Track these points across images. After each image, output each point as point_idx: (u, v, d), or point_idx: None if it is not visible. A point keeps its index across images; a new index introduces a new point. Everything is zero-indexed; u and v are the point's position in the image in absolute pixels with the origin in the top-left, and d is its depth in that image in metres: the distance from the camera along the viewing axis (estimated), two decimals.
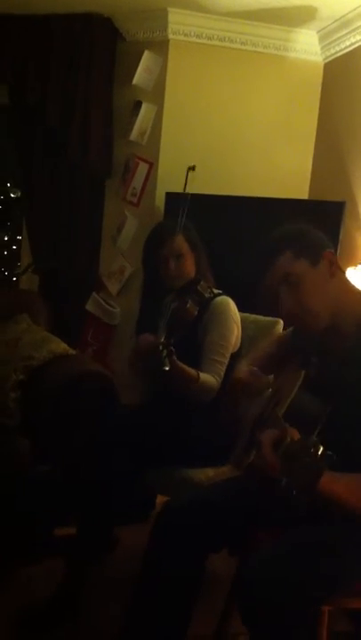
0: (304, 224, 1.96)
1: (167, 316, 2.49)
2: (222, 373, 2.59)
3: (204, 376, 2.53)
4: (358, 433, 1.69)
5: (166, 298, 2.63)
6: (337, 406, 1.70)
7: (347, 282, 1.93)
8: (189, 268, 2.75)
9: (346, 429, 1.70)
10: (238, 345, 2.72)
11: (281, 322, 2.84)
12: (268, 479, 1.61)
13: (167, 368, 2.30)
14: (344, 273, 1.94)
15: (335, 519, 1.67)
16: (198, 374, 2.52)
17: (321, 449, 1.46)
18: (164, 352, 2.29)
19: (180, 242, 2.74)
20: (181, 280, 2.69)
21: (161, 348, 2.29)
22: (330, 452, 1.46)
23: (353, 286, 1.94)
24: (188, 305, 2.50)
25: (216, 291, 2.75)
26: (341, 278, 1.91)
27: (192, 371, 2.50)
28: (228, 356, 2.63)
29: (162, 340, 2.33)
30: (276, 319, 2.86)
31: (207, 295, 2.62)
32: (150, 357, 2.34)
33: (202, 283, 2.59)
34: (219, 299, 2.71)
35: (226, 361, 2.62)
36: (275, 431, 1.62)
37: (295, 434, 1.59)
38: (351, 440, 1.67)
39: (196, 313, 2.52)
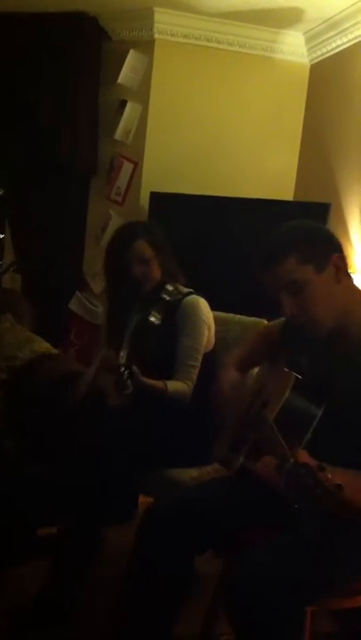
0: (312, 224, 1.85)
1: (131, 329, 2.45)
2: (194, 377, 2.56)
3: (172, 385, 2.50)
4: (354, 438, 1.68)
5: (131, 309, 2.56)
6: (332, 409, 1.70)
7: (353, 287, 1.84)
8: (155, 272, 2.65)
9: (341, 432, 1.69)
10: (212, 344, 2.69)
11: (265, 322, 2.83)
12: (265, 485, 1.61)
13: (128, 392, 2.27)
14: (350, 277, 1.83)
15: (322, 520, 1.67)
16: (166, 385, 2.49)
17: (329, 476, 1.41)
18: (126, 374, 2.25)
19: (143, 246, 2.62)
20: (148, 285, 2.62)
21: (123, 369, 2.25)
22: (338, 483, 1.41)
23: (359, 291, 1.86)
24: (151, 317, 2.47)
25: (185, 290, 2.68)
26: (348, 284, 1.80)
27: (159, 383, 2.47)
28: (200, 358, 2.60)
29: (124, 360, 2.29)
30: (261, 320, 2.85)
31: (173, 299, 2.57)
32: (113, 378, 2.31)
33: (167, 287, 2.55)
34: (187, 300, 2.64)
35: (198, 364, 2.59)
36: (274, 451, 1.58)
37: (303, 455, 1.55)
38: (346, 443, 1.66)
39: (158, 322, 2.49)
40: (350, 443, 1.67)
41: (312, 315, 1.76)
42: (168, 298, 2.53)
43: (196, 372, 2.57)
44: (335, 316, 1.76)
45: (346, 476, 1.48)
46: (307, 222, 1.85)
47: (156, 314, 2.46)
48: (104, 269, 2.77)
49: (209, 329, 2.68)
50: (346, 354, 1.78)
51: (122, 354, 2.37)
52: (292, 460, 1.48)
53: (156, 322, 2.45)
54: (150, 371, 2.43)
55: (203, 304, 2.67)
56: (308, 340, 1.85)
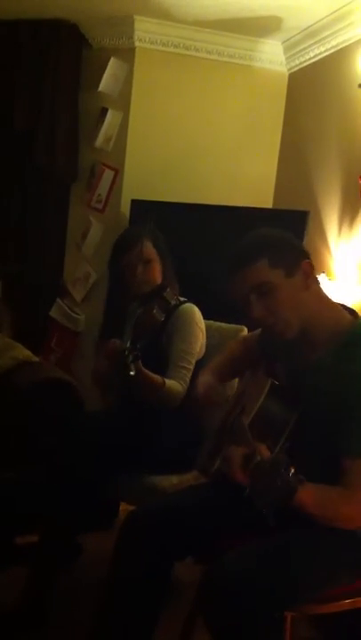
0: (280, 231, 1.88)
1: (133, 321, 2.48)
2: (188, 380, 2.59)
3: (169, 382, 2.54)
4: (326, 441, 1.70)
5: (132, 304, 2.61)
6: (305, 414, 1.72)
7: (321, 293, 1.88)
8: (156, 274, 2.72)
9: (313, 437, 1.71)
10: (203, 352, 2.73)
11: (245, 329, 2.85)
12: (237, 486, 1.63)
13: (133, 373, 2.28)
14: (318, 283, 1.87)
15: (300, 525, 1.68)
16: (164, 381, 2.52)
17: (292, 470, 1.45)
18: (130, 357, 2.27)
19: (149, 248, 2.69)
20: (148, 286, 2.66)
21: (127, 353, 2.27)
22: (301, 476, 1.46)
23: (326, 297, 1.89)
24: (155, 311, 2.49)
25: (182, 299, 2.75)
26: (316, 289, 1.84)
27: (158, 377, 2.50)
28: (193, 362, 2.64)
29: (127, 345, 2.31)
30: (241, 327, 2.87)
31: (173, 302, 2.61)
32: (116, 362, 2.33)
33: (168, 290, 2.58)
34: (184, 306, 2.71)
35: (192, 367, 2.62)
36: (243, 447, 1.61)
37: (265, 451, 1.59)
38: (318, 447, 1.68)
39: (162, 319, 2.51)
40: (322, 451, 1.69)
41: (279, 317, 1.79)
42: (169, 299, 2.56)
43: (189, 375, 2.60)
44: (302, 320, 1.80)
45: (311, 494, 1.57)
46: (277, 230, 1.89)
47: (159, 310, 2.48)
48: (108, 266, 2.83)
49: (203, 336, 2.72)
50: (309, 357, 1.80)
51: (126, 342, 2.39)
52: (258, 457, 1.53)
53: (160, 317, 2.48)
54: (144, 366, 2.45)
55: (198, 312, 2.73)
56: (282, 347, 1.87)
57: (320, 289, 1.88)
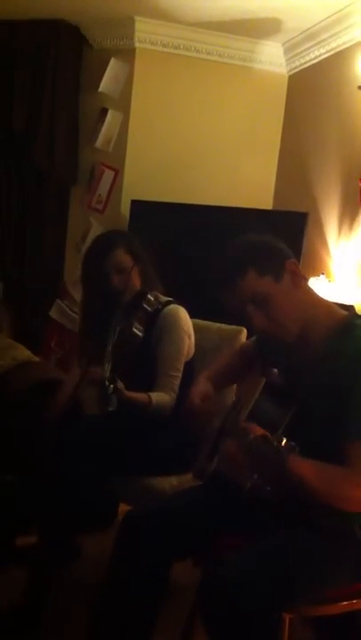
0: (262, 234, 1.88)
1: (112, 341, 2.43)
2: (177, 387, 2.55)
3: (156, 397, 2.50)
4: (323, 433, 1.70)
5: (112, 319, 2.54)
6: (301, 412, 1.72)
7: (310, 290, 1.90)
8: (134, 281, 2.62)
9: (310, 431, 1.72)
10: (191, 353, 2.70)
11: (245, 330, 2.86)
12: (235, 484, 1.63)
13: (111, 408, 2.25)
14: (307, 281, 1.90)
15: (299, 526, 1.69)
16: (150, 398, 2.48)
17: (284, 440, 1.48)
18: (110, 388, 2.24)
19: (121, 255, 2.60)
20: (127, 294, 2.57)
21: (107, 383, 2.24)
22: (292, 443, 1.48)
23: (316, 295, 1.91)
24: (134, 327, 2.44)
25: (165, 299, 2.67)
26: (305, 287, 1.87)
27: (143, 396, 2.46)
28: (181, 367, 2.60)
29: (108, 373, 2.28)
30: (240, 328, 2.87)
31: (153, 309, 2.56)
32: (97, 394, 2.30)
33: (148, 296, 2.51)
34: (167, 309, 2.63)
35: (179, 374, 2.59)
36: (237, 434, 1.63)
37: (257, 429, 1.60)
38: (315, 441, 1.68)
39: (141, 335, 2.46)
40: (319, 439, 1.69)
41: (279, 321, 1.80)
42: (149, 308, 2.51)
43: (177, 382, 2.56)
44: (300, 319, 1.81)
45: (310, 465, 1.58)
46: (255, 236, 1.88)
47: (138, 325, 2.44)
48: (81, 279, 2.75)
49: (189, 338, 2.68)
50: (309, 355, 1.81)
51: (105, 366, 2.35)
52: (251, 435, 1.54)
53: (140, 333, 2.42)
54: (131, 381, 2.43)
55: (182, 313, 2.66)
56: (280, 350, 1.88)
57: (308, 286, 1.90)
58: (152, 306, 2.48)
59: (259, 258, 1.80)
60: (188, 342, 2.66)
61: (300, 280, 1.84)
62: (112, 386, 2.22)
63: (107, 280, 2.60)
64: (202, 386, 2.17)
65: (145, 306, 2.45)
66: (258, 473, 1.50)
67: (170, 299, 2.68)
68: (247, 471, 1.55)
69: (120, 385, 2.28)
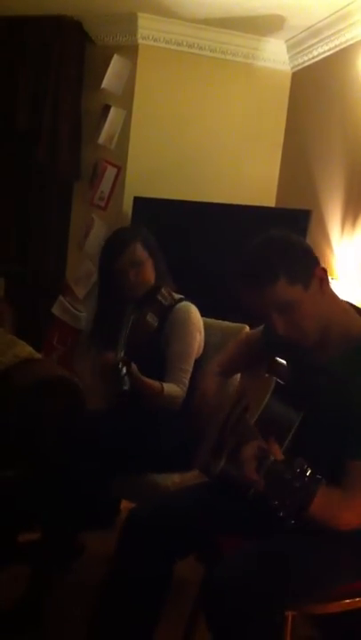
0: (289, 237, 1.79)
1: (127, 330, 2.45)
2: (187, 382, 2.58)
3: (168, 387, 2.52)
4: (329, 443, 1.70)
5: (127, 310, 2.57)
6: (309, 414, 1.72)
7: (335, 295, 1.85)
8: (149, 275, 2.69)
9: (316, 438, 1.71)
10: (201, 350, 2.72)
11: (247, 327, 2.85)
12: (242, 487, 1.62)
13: (126, 388, 2.27)
14: (330, 285, 1.83)
15: (300, 526, 1.68)
16: (162, 386, 2.50)
17: (309, 472, 1.42)
18: (123, 370, 2.26)
19: (138, 249, 2.66)
20: (142, 288, 2.64)
21: (120, 365, 2.26)
22: (318, 476, 1.43)
23: (338, 297, 1.87)
24: (148, 316, 2.47)
25: (177, 296, 2.71)
26: (331, 293, 1.81)
27: (155, 383, 2.49)
28: (192, 363, 2.63)
29: (121, 356, 2.29)
30: (243, 325, 2.87)
31: (167, 303, 2.59)
32: (110, 376, 2.31)
33: (162, 290, 2.55)
34: (180, 305, 2.67)
35: (190, 368, 2.61)
36: (254, 446, 1.59)
37: (277, 451, 1.57)
38: (320, 449, 1.68)
39: (156, 325, 2.49)
40: (328, 449, 1.69)
41: (304, 330, 1.76)
42: (163, 301, 2.53)
43: (187, 376, 2.59)
44: (322, 327, 1.78)
45: (322, 499, 1.51)
46: (286, 237, 1.80)
47: (153, 315, 2.47)
48: (98, 271, 2.80)
49: (200, 335, 2.71)
50: (319, 358, 1.80)
51: (118, 351, 2.37)
52: (271, 458, 1.50)
53: (154, 323, 2.46)
54: (141, 371, 2.45)
55: (194, 310, 2.70)
56: (289, 347, 1.86)
57: (333, 291, 1.84)
58: (166, 300, 2.52)
59: (290, 264, 1.72)
60: (199, 339, 2.69)
61: (326, 287, 1.78)
62: (125, 367, 2.24)
63: (123, 272, 2.64)
64: (210, 377, 2.17)
65: (160, 299, 2.48)
66: (278, 501, 1.44)
67: (182, 296, 2.70)
68: (265, 492, 1.50)
69: (134, 366, 2.29)
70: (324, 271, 1.79)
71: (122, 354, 2.31)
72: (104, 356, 2.42)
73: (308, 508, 1.43)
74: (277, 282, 1.70)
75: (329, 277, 1.82)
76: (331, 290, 1.82)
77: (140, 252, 2.67)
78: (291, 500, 1.43)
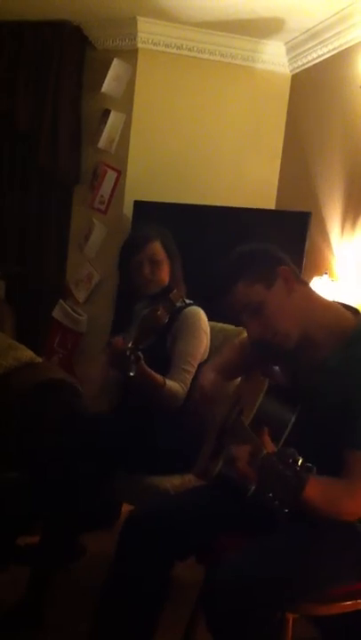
0: (251, 246, 1.91)
1: (138, 321, 2.49)
2: (189, 383, 2.59)
3: (170, 383, 2.54)
4: (326, 439, 1.70)
5: (138, 304, 2.63)
6: (305, 412, 1.72)
7: (309, 292, 1.89)
8: (164, 275, 2.74)
9: (314, 435, 1.71)
10: (207, 355, 2.73)
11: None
12: (241, 487, 1.62)
13: (132, 374, 2.29)
14: (305, 284, 1.90)
15: (301, 525, 1.68)
16: (165, 381, 2.53)
17: (300, 460, 1.44)
18: (131, 357, 2.28)
19: (157, 248, 2.72)
20: (155, 286, 2.69)
21: (128, 352, 2.28)
22: (309, 464, 1.44)
23: (316, 295, 1.91)
24: (159, 312, 2.49)
25: (188, 301, 2.75)
26: (302, 290, 1.86)
27: (159, 377, 2.51)
28: (195, 365, 2.64)
29: (130, 344, 2.32)
30: (243, 329, 2.87)
31: (179, 304, 2.62)
32: (118, 361, 2.34)
33: (175, 291, 2.58)
34: (190, 308, 2.71)
35: (193, 370, 2.62)
36: (248, 445, 1.60)
37: (269, 444, 1.58)
38: (320, 446, 1.68)
39: (166, 320, 2.51)
40: (323, 446, 1.69)
41: (275, 330, 1.81)
42: (175, 302, 2.56)
43: (190, 377, 2.60)
44: (298, 325, 1.81)
45: (319, 487, 1.54)
46: (248, 246, 1.91)
47: (163, 311, 2.49)
48: (118, 267, 2.86)
49: (207, 339, 2.73)
50: (313, 358, 1.81)
51: (129, 341, 2.40)
52: (264, 451, 1.51)
53: (164, 318, 2.49)
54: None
55: (203, 315, 2.74)
56: (283, 355, 1.88)
57: (307, 289, 1.89)
58: (177, 301, 2.54)
59: (247, 267, 1.84)
60: (206, 343, 2.71)
61: (293, 285, 1.84)
62: (133, 355, 2.26)
63: (139, 268, 2.69)
64: (208, 374, 2.18)
65: (171, 298, 2.51)
66: (271, 492, 1.45)
67: (192, 301, 2.74)
68: (258, 485, 1.51)
69: (141, 354, 2.32)
70: (287, 271, 1.84)
71: (130, 342, 2.34)
72: (114, 341, 2.44)
73: (300, 496, 1.44)
74: (237, 285, 1.82)
75: (297, 276, 1.87)
76: (303, 287, 1.87)
77: (159, 250, 2.73)
78: (283, 489, 1.44)
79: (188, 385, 2.59)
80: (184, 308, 2.70)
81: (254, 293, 1.81)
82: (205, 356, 2.72)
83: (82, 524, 2.51)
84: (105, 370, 2.72)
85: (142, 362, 2.35)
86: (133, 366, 2.28)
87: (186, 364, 2.62)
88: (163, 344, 2.64)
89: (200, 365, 2.66)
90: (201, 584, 2.08)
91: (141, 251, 2.70)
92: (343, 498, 1.64)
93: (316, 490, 1.53)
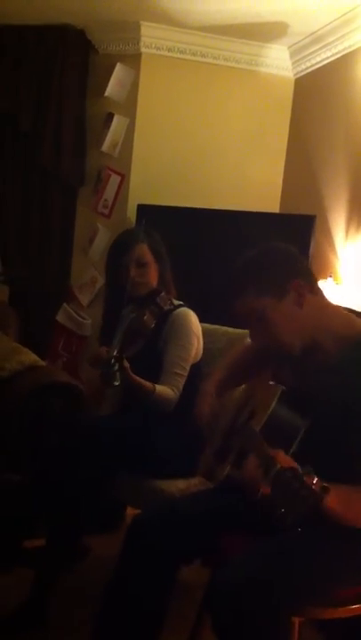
0: (270, 250, 1.88)
1: (124, 327, 2.47)
2: (181, 386, 2.58)
3: (160, 388, 2.52)
4: (338, 445, 1.69)
5: (125, 308, 2.60)
6: (317, 420, 1.71)
7: (323, 303, 1.87)
8: (151, 277, 2.72)
9: (325, 442, 1.70)
10: (199, 356, 2.72)
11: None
12: (248, 494, 1.61)
13: (117, 383, 2.28)
14: (318, 292, 1.86)
15: (306, 527, 1.67)
16: (154, 387, 2.51)
17: (316, 479, 1.42)
18: (116, 366, 2.27)
19: (144, 250, 2.69)
20: (142, 289, 2.66)
21: (113, 362, 2.27)
22: (325, 484, 1.42)
23: (331, 305, 1.89)
24: (146, 317, 2.48)
25: (177, 302, 2.72)
26: (314, 301, 1.83)
27: (147, 384, 2.49)
28: (187, 368, 2.63)
29: (115, 352, 2.31)
30: (246, 331, 2.86)
31: (166, 307, 2.59)
32: (102, 371, 2.33)
33: (162, 294, 2.57)
34: (179, 311, 2.68)
35: (185, 373, 2.61)
36: (258, 457, 1.59)
37: (283, 458, 1.55)
38: (334, 451, 1.67)
39: (152, 325, 2.50)
40: (335, 453, 1.68)
41: (276, 338, 1.81)
42: (162, 305, 2.55)
43: (182, 380, 2.58)
44: (304, 336, 1.81)
45: (340, 500, 1.52)
46: (263, 250, 1.88)
47: (150, 315, 2.48)
48: (105, 269, 2.84)
49: (198, 341, 2.70)
50: (326, 366, 1.80)
51: (112, 347, 2.38)
52: (278, 465, 1.49)
53: (151, 323, 2.47)
54: (137, 374, 2.46)
55: (193, 317, 2.71)
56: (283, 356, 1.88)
57: (321, 300, 1.87)
58: (165, 304, 2.52)
59: (260, 277, 1.82)
60: (197, 345, 2.69)
61: (304, 299, 1.81)
62: (117, 364, 2.25)
63: (125, 271, 2.66)
64: (209, 396, 2.15)
65: (159, 302, 2.49)
66: (284, 509, 1.43)
67: (181, 302, 2.71)
68: (271, 501, 1.49)
69: (126, 364, 2.31)
70: (303, 286, 1.82)
71: (116, 351, 2.32)
72: (97, 351, 2.43)
73: (314, 514, 1.42)
74: (244, 291, 1.81)
75: (312, 287, 1.85)
76: (317, 299, 1.85)
77: (146, 253, 2.71)
78: (298, 508, 1.42)
79: (181, 388, 2.57)
80: (173, 310, 2.67)
81: (259, 304, 1.80)
82: (198, 358, 2.70)
83: (85, 526, 2.50)
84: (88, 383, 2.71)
85: (128, 370, 2.34)
86: (118, 376, 2.27)
87: (177, 367, 2.60)
88: (154, 347, 2.63)
89: (193, 366, 2.65)
90: (206, 586, 2.07)
91: (128, 253, 2.67)
92: None
93: (337, 499, 1.51)
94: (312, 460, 1.50)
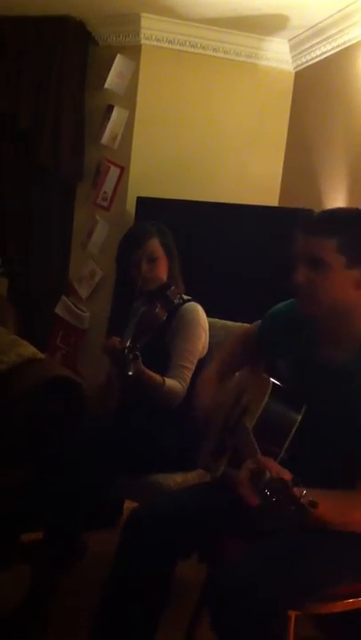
0: None
1: (135, 319, 2.50)
2: (188, 379, 2.60)
3: (169, 382, 2.54)
4: (332, 442, 1.70)
5: (136, 301, 2.63)
6: (311, 414, 1.71)
7: None
8: (162, 271, 2.75)
9: (319, 437, 1.71)
10: (206, 351, 2.74)
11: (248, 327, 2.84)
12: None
13: (130, 373, 2.30)
14: None
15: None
16: (164, 380, 2.53)
17: (304, 492, 1.41)
18: (129, 356, 2.29)
19: (155, 245, 2.73)
20: (153, 283, 2.69)
21: (126, 352, 2.29)
22: (313, 499, 1.41)
23: None
24: (157, 309, 2.50)
25: (186, 297, 2.76)
26: None
27: (157, 376, 2.51)
28: (195, 362, 2.65)
29: (128, 344, 2.32)
30: (244, 324, 2.87)
31: (176, 301, 2.62)
32: (116, 361, 2.34)
33: (172, 288, 2.59)
34: (188, 305, 2.72)
35: (193, 367, 2.63)
36: (251, 465, 1.57)
37: (273, 466, 1.54)
38: (324, 448, 1.68)
39: (164, 317, 2.53)
40: (328, 448, 1.69)
41: (317, 295, 1.73)
42: (173, 298, 2.57)
43: (190, 374, 2.61)
44: (336, 313, 1.75)
45: (317, 496, 1.48)
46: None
47: (161, 309, 2.50)
48: (115, 263, 2.87)
49: (205, 335, 2.73)
50: (340, 361, 1.78)
51: (125, 338, 2.40)
52: (268, 475, 1.48)
53: (163, 316, 2.50)
54: (146, 366, 2.47)
55: (201, 311, 2.74)
56: (286, 346, 1.86)
57: None
58: (175, 298, 2.55)
59: (349, 237, 1.71)
60: (204, 339, 2.71)
61: None
62: (130, 354, 2.26)
63: (137, 265, 2.69)
64: (205, 382, 2.16)
65: (169, 295, 2.51)
66: (272, 521, 1.44)
67: (190, 297, 2.73)
68: (260, 511, 1.47)
69: (138, 354, 2.32)
70: None
71: (128, 342, 2.34)
72: (111, 341, 2.45)
73: (300, 525, 1.42)
74: (328, 238, 1.69)
75: None
76: None
77: (156, 247, 2.74)
78: (285, 521, 1.42)
79: (188, 382, 2.59)
80: (182, 304, 2.70)
81: (332, 259, 1.69)
82: (204, 352, 2.72)
83: (84, 522, 2.51)
84: (110, 370, 2.73)
85: (140, 361, 2.35)
86: (131, 366, 2.29)
87: (185, 361, 2.62)
88: (162, 340, 2.65)
89: (200, 361, 2.67)
90: (203, 583, 2.08)
91: (140, 248, 2.71)
92: (356, 510, 1.63)
93: (327, 511, 1.50)
94: (306, 456, 1.51)
